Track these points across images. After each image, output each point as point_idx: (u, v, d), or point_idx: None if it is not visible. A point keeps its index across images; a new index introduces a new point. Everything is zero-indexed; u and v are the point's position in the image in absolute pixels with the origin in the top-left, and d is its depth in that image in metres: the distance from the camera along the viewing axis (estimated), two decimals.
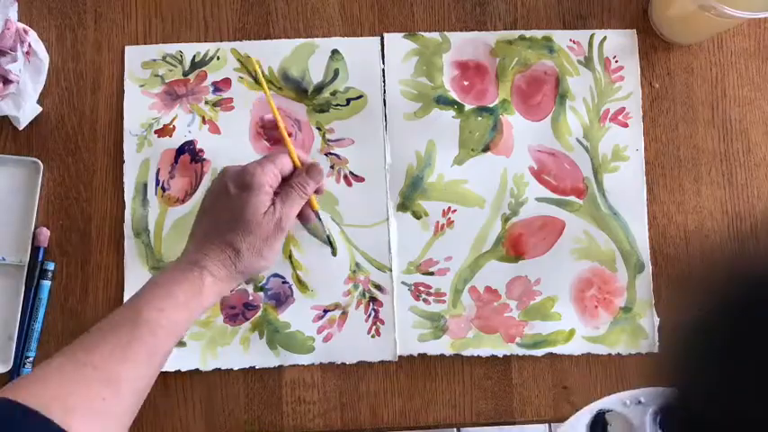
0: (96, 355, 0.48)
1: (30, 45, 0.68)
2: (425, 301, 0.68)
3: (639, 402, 0.48)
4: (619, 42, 0.70)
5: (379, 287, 0.67)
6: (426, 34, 0.70)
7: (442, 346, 0.67)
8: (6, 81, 0.66)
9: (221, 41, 0.70)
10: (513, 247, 0.68)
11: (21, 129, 0.68)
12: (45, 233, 0.67)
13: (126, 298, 0.67)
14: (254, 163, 0.57)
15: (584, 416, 0.50)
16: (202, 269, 0.54)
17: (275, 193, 0.57)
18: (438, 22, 0.71)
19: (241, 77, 0.70)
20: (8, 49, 0.66)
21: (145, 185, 0.68)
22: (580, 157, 0.69)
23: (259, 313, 0.67)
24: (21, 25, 0.68)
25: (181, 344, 0.67)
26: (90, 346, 0.48)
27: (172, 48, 0.70)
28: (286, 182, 0.58)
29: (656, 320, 0.67)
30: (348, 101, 0.70)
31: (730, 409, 0.30)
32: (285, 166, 0.58)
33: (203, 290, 0.53)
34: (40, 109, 0.68)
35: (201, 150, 0.69)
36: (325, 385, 0.67)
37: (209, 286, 0.54)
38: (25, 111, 0.67)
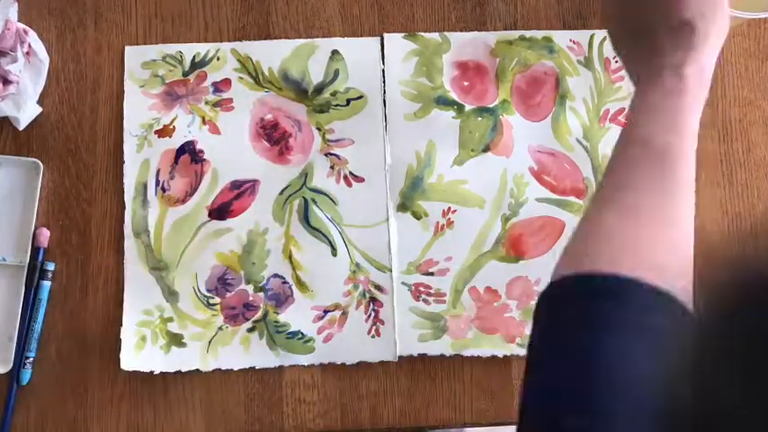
0: (646, 199, 0.42)
1: (30, 45, 0.68)
2: (425, 301, 0.68)
3: None
4: None
5: (379, 287, 0.67)
6: (426, 34, 0.70)
7: (442, 347, 0.67)
8: (6, 82, 0.66)
9: (221, 42, 0.70)
10: (513, 248, 0.68)
11: (21, 129, 0.68)
12: (45, 233, 0.67)
13: (126, 298, 0.67)
14: None
15: None
16: (676, 73, 0.45)
17: None
18: (438, 23, 0.71)
19: (241, 78, 0.70)
20: (8, 49, 0.66)
21: (145, 186, 0.68)
22: (580, 157, 0.69)
23: (259, 313, 0.67)
24: (21, 26, 0.68)
25: (181, 344, 0.67)
26: (630, 190, 0.43)
27: (172, 48, 0.70)
28: None
29: None
30: (348, 101, 0.70)
31: (728, 412, 0.30)
32: None
33: (690, 96, 0.46)
34: (40, 109, 0.68)
35: (201, 151, 0.69)
36: (326, 385, 0.67)
37: (694, 87, 0.46)
38: (25, 111, 0.67)
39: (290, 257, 0.68)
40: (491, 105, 0.69)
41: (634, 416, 0.33)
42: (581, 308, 0.38)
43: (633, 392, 0.34)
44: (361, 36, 0.71)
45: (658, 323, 0.37)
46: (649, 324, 0.37)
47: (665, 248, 0.41)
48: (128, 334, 0.66)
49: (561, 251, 0.44)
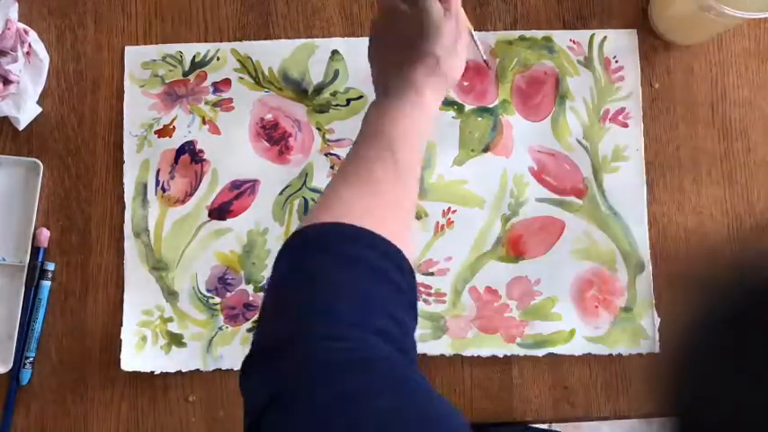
0: (378, 184, 0.50)
1: (30, 45, 0.68)
2: (425, 301, 0.68)
3: None
4: (619, 42, 0.70)
5: None
6: None
7: (442, 347, 0.67)
8: (7, 81, 0.66)
9: (221, 42, 0.70)
10: (513, 248, 0.68)
11: (21, 129, 0.68)
12: (45, 233, 0.67)
13: (126, 298, 0.67)
14: None
15: None
16: (416, 88, 0.55)
17: None
18: None
19: (241, 78, 0.70)
20: (8, 49, 0.66)
21: (145, 186, 0.68)
22: (580, 157, 0.69)
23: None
24: (21, 26, 0.68)
25: (181, 344, 0.67)
26: (366, 177, 0.50)
27: (172, 48, 0.70)
28: None
29: (657, 320, 0.67)
30: (348, 101, 0.70)
31: (731, 411, 0.30)
32: None
33: (428, 115, 0.55)
34: (40, 109, 0.68)
35: (201, 151, 0.69)
36: None
37: (428, 107, 0.55)
38: (25, 111, 0.67)
39: None
40: (491, 105, 0.69)
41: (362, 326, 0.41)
42: (321, 245, 0.45)
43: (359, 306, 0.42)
44: (361, 36, 0.71)
45: (364, 253, 0.44)
46: (357, 253, 0.44)
47: (394, 219, 0.49)
48: (128, 334, 0.66)
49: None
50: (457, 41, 0.57)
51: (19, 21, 0.68)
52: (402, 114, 0.54)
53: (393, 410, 0.37)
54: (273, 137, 0.69)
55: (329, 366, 0.39)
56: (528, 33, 0.70)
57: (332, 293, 0.42)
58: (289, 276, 0.44)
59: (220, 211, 0.68)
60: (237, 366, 0.66)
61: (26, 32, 0.68)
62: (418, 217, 0.68)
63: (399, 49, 0.57)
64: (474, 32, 0.63)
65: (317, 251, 0.44)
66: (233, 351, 0.67)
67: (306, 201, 0.68)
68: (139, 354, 0.66)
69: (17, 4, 0.68)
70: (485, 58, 0.68)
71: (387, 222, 0.47)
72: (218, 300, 0.67)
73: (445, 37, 0.56)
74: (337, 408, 0.36)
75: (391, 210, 0.50)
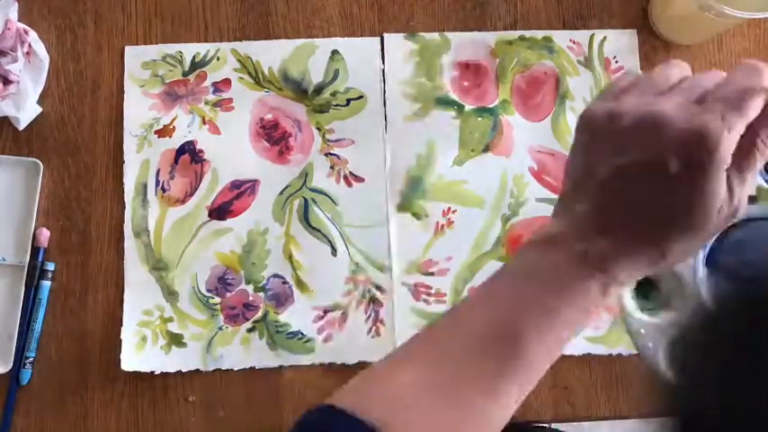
0: (457, 386, 0.36)
1: (30, 45, 0.68)
2: (426, 301, 0.68)
3: None
4: (619, 42, 0.70)
5: (379, 287, 0.67)
6: (426, 35, 0.70)
7: None
8: (7, 81, 0.66)
9: (221, 42, 0.70)
10: (513, 248, 0.68)
11: (21, 129, 0.68)
12: (45, 234, 0.67)
13: (126, 298, 0.67)
14: (708, 116, 0.34)
15: None
16: (609, 278, 0.37)
17: None
18: (438, 23, 0.71)
19: (241, 78, 0.70)
20: (8, 49, 0.66)
21: (145, 186, 0.68)
22: None
23: (259, 313, 0.67)
24: (21, 25, 0.68)
25: (181, 344, 0.67)
26: (449, 366, 0.37)
27: (172, 48, 0.70)
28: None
29: None
30: (348, 101, 0.70)
31: (731, 408, 0.30)
32: (752, 109, 0.34)
33: (599, 304, 0.37)
34: (40, 109, 0.68)
35: (201, 151, 0.69)
36: (326, 385, 0.67)
37: (608, 298, 0.37)
38: (25, 111, 0.67)
39: (290, 257, 0.68)
40: (491, 105, 0.69)
41: None
42: None
43: None
44: (361, 36, 0.71)
45: None
46: None
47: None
48: (128, 334, 0.66)
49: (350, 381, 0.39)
50: (709, 235, 0.37)
51: (19, 21, 0.68)
52: (567, 282, 0.37)
53: None
54: (273, 137, 0.69)
55: None
56: (528, 33, 0.70)
57: None
58: None
59: (220, 211, 0.68)
60: (237, 366, 0.67)
61: (26, 32, 0.68)
62: (418, 217, 0.68)
63: (622, 203, 0.36)
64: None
65: None
66: (233, 351, 0.67)
67: (306, 201, 0.68)
68: (139, 354, 0.66)
69: (17, 4, 0.68)
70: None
71: None
72: (218, 300, 0.67)
73: (703, 233, 0.36)
74: None
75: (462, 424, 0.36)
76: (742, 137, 0.34)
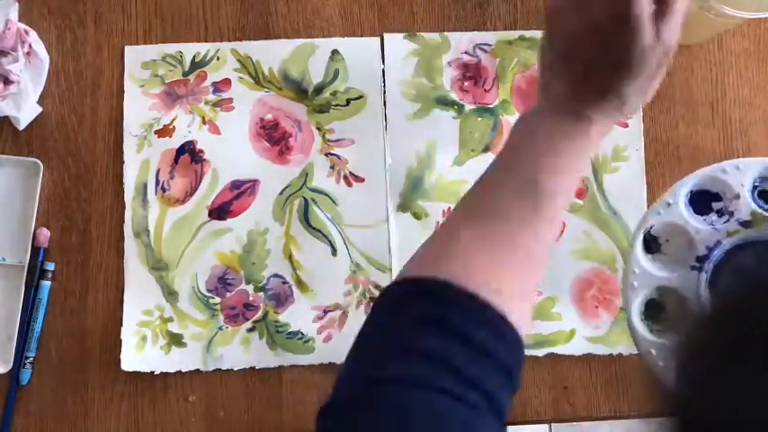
0: (507, 227, 0.44)
1: (30, 45, 0.68)
2: None
3: (738, 168, 0.50)
4: None
5: (379, 287, 0.67)
6: (426, 35, 0.70)
7: None
8: (7, 81, 0.66)
9: (221, 42, 0.70)
10: None
11: (21, 129, 0.68)
12: (45, 233, 0.67)
13: (126, 298, 0.67)
14: None
15: (684, 184, 0.52)
16: (589, 122, 0.45)
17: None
18: (438, 23, 0.71)
19: (241, 78, 0.70)
20: (9, 49, 0.66)
21: (145, 186, 0.68)
22: None
23: (259, 313, 0.67)
24: (21, 26, 0.68)
25: (181, 344, 0.67)
26: (494, 216, 0.45)
27: (172, 48, 0.70)
28: None
29: None
30: (348, 101, 0.70)
31: (730, 411, 0.30)
32: None
33: (589, 145, 0.46)
34: (40, 109, 0.68)
35: (201, 151, 0.69)
36: (326, 386, 0.66)
37: (595, 138, 0.46)
38: (25, 111, 0.67)
39: (291, 257, 0.68)
40: (491, 105, 0.69)
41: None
42: (421, 307, 0.41)
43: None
44: (362, 36, 0.71)
45: (481, 337, 0.40)
46: (472, 337, 0.40)
47: (511, 276, 0.43)
48: (128, 334, 0.67)
49: (417, 251, 0.46)
50: (655, 77, 0.47)
51: (19, 21, 0.68)
52: (559, 134, 0.46)
53: None
54: (273, 137, 0.69)
55: (406, 416, 0.38)
56: (528, 33, 0.70)
57: (411, 359, 0.40)
58: (376, 334, 0.43)
59: (220, 211, 0.68)
60: (237, 366, 0.67)
61: (26, 32, 0.68)
62: (418, 217, 0.68)
63: (578, 66, 0.46)
64: None
65: (407, 313, 0.41)
66: (233, 351, 0.67)
67: (306, 201, 0.68)
68: (139, 354, 0.66)
69: (17, 4, 0.68)
70: None
71: (505, 281, 0.42)
72: (218, 300, 0.67)
73: (645, 74, 0.45)
74: None
75: (514, 263, 0.43)
76: None
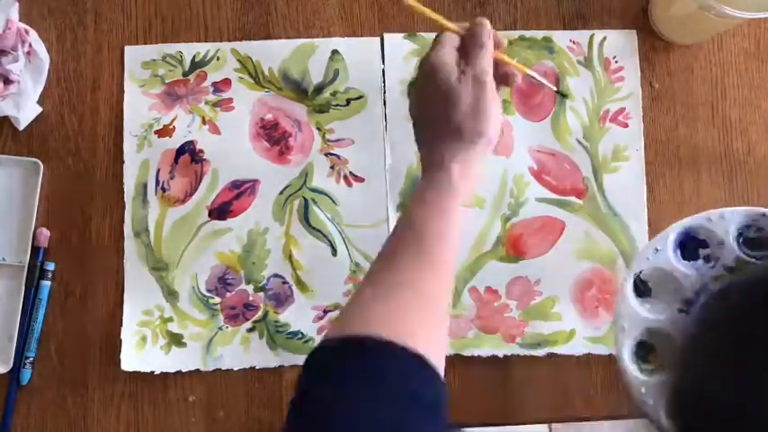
0: (399, 276, 0.49)
1: (30, 45, 0.68)
2: None
3: (722, 217, 0.53)
4: (619, 42, 0.70)
5: None
6: (426, 35, 0.70)
7: None
8: (7, 81, 0.66)
9: (221, 42, 0.70)
10: (513, 248, 0.68)
11: (21, 129, 0.68)
12: (45, 233, 0.67)
13: (126, 298, 0.67)
14: (477, 58, 0.54)
15: (671, 232, 0.55)
16: (447, 167, 0.53)
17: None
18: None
19: (241, 78, 0.70)
20: (9, 48, 0.66)
21: (145, 186, 0.68)
22: (580, 157, 0.69)
23: (259, 313, 0.67)
24: (22, 25, 0.68)
25: (181, 344, 0.67)
26: (388, 270, 0.50)
27: (172, 48, 0.70)
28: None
29: None
30: (348, 101, 0.70)
31: (730, 411, 0.30)
32: (454, 40, 0.56)
33: (455, 186, 0.53)
34: (40, 109, 0.68)
35: (201, 151, 0.69)
36: None
37: (458, 177, 0.53)
38: (26, 111, 0.67)
39: (290, 257, 0.68)
40: None
41: None
42: (337, 366, 0.43)
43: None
44: (361, 36, 0.71)
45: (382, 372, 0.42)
46: (393, 379, 0.42)
47: (416, 318, 0.47)
48: (128, 334, 0.67)
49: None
50: (480, 103, 0.54)
51: (19, 20, 0.68)
52: (428, 199, 0.53)
53: None
54: (273, 137, 0.69)
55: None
56: (528, 33, 0.70)
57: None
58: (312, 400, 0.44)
59: (220, 211, 0.68)
60: (237, 366, 0.67)
61: (27, 32, 0.68)
62: None
63: (425, 121, 0.56)
64: (532, 72, 0.62)
65: (344, 381, 0.43)
66: (233, 351, 0.67)
67: (306, 201, 0.68)
68: (139, 354, 0.66)
69: (17, 4, 0.68)
70: (556, 89, 0.68)
71: (407, 325, 0.46)
72: (218, 300, 0.67)
73: (466, 103, 0.54)
74: None
75: (416, 309, 0.48)
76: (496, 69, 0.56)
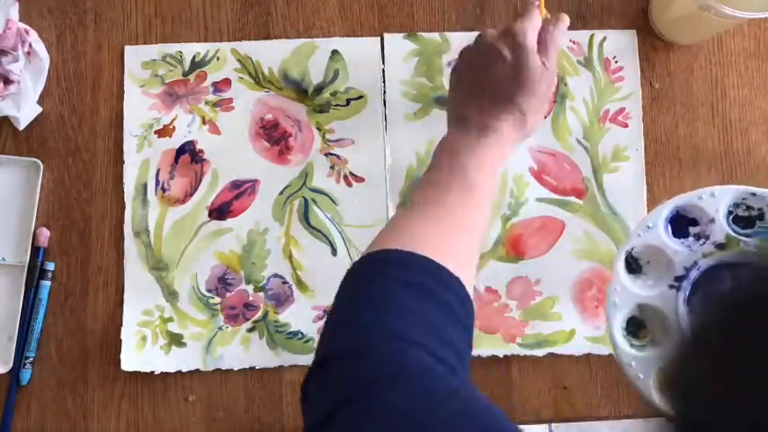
0: (446, 209, 0.53)
1: (30, 45, 0.68)
2: None
3: (713, 195, 0.55)
4: (619, 42, 0.70)
5: None
6: (426, 35, 0.70)
7: None
8: (7, 81, 0.66)
9: (221, 42, 0.70)
10: (513, 248, 0.68)
11: (21, 129, 0.68)
12: (45, 233, 0.67)
13: (126, 298, 0.67)
14: (517, 22, 0.58)
15: (663, 209, 0.56)
16: (499, 133, 0.56)
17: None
18: (438, 23, 0.71)
19: (241, 78, 0.70)
20: (9, 48, 0.66)
21: (145, 186, 0.68)
22: (580, 157, 0.69)
23: (259, 313, 0.67)
24: (22, 25, 0.68)
25: (181, 344, 0.67)
26: (436, 203, 0.54)
27: (172, 48, 0.70)
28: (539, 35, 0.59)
29: None
30: (348, 101, 0.70)
31: (729, 411, 0.30)
32: (537, 21, 0.58)
33: (501, 151, 0.57)
34: (40, 109, 0.68)
35: (201, 151, 0.69)
36: None
37: (505, 144, 0.57)
38: (26, 111, 0.67)
39: (290, 257, 0.68)
40: None
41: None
42: (382, 269, 0.49)
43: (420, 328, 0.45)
44: (361, 36, 0.71)
45: (449, 300, 0.47)
46: (418, 280, 0.47)
47: (452, 244, 0.52)
48: (128, 334, 0.67)
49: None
50: (548, 98, 0.58)
51: (19, 20, 0.68)
52: (478, 144, 0.56)
53: (463, 411, 0.39)
54: (273, 137, 0.69)
55: (397, 374, 0.41)
56: None
57: (395, 315, 0.45)
58: (354, 297, 0.48)
59: (220, 211, 0.68)
60: (237, 366, 0.67)
61: (27, 32, 0.68)
62: None
63: (487, 91, 0.57)
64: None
65: (381, 275, 0.48)
66: (233, 351, 0.67)
67: (306, 201, 0.68)
68: (139, 354, 0.66)
69: (18, 4, 0.68)
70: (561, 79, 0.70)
71: (451, 251, 0.50)
72: (218, 300, 0.67)
73: (539, 94, 0.57)
74: (413, 408, 0.39)
75: (458, 237, 0.52)
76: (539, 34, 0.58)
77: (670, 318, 0.54)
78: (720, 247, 0.55)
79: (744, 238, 0.54)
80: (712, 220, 0.55)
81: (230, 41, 0.70)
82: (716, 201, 0.55)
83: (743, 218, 0.56)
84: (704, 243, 0.55)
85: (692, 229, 0.56)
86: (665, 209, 0.56)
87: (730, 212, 0.56)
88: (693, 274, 0.55)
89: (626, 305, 0.56)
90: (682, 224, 0.56)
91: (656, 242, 0.56)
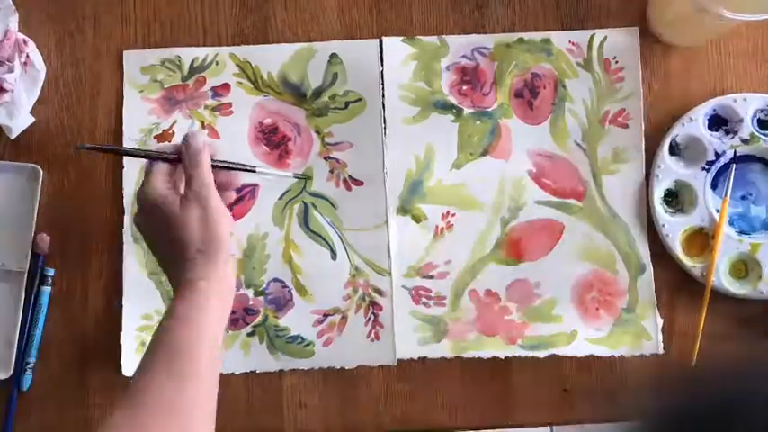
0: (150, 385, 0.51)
1: (28, 56, 0.68)
2: (425, 304, 0.68)
3: (745, 100, 0.68)
4: (619, 42, 0.70)
5: (378, 291, 0.67)
6: (425, 38, 0.70)
7: (442, 349, 0.67)
8: (1, 90, 0.66)
9: (220, 46, 0.70)
10: (512, 251, 0.68)
11: (12, 138, 0.67)
12: (45, 239, 0.67)
13: (126, 303, 0.67)
14: (139, 187, 0.57)
15: (704, 107, 0.68)
16: (188, 283, 0.53)
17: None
18: (436, 27, 0.71)
19: (240, 82, 0.70)
20: (5, 59, 0.66)
21: None
22: (579, 159, 0.69)
23: (259, 318, 0.67)
24: (21, 36, 0.68)
25: None
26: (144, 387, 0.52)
27: (170, 53, 0.70)
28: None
29: (660, 321, 0.67)
30: (347, 105, 0.70)
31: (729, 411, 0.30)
32: (162, 168, 0.57)
33: (208, 298, 0.54)
34: (32, 119, 0.68)
35: None
36: (326, 389, 0.67)
37: (209, 289, 0.54)
38: (18, 120, 0.67)
39: (290, 261, 0.68)
40: (489, 109, 0.69)
41: None
42: None
43: None
44: (360, 39, 0.71)
45: None
46: None
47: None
48: (128, 339, 0.67)
49: None
50: (209, 217, 0.55)
51: (18, 27, 0.68)
52: (181, 315, 0.53)
53: None
54: (273, 141, 0.69)
55: None
56: (526, 36, 0.70)
57: None
58: None
59: None
60: (237, 370, 0.67)
61: (25, 43, 0.68)
62: (418, 220, 0.68)
63: (159, 246, 0.57)
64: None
65: None
66: (233, 355, 0.67)
67: (305, 205, 0.68)
68: (139, 358, 0.66)
69: (17, 15, 0.68)
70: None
71: None
72: None
73: (190, 225, 0.54)
74: None
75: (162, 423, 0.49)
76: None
77: (698, 192, 0.67)
78: (745, 142, 0.68)
79: (764, 137, 0.68)
80: (741, 120, 0.68)
81: (229, 46, 0.70)
82: (746, 104, 0.68)
83: (765, 122, 0.69)
84: (732, 137, 0.68)
85: (724, 127, 0.68)
86: (706, 106, 0.68)
87: (755, 115, 0.68)
88: (721, 160, 0.68)
89: (666, 179, 0.68)
90: (717, 121, 0.69)
91: (695, 132, 0.68)
